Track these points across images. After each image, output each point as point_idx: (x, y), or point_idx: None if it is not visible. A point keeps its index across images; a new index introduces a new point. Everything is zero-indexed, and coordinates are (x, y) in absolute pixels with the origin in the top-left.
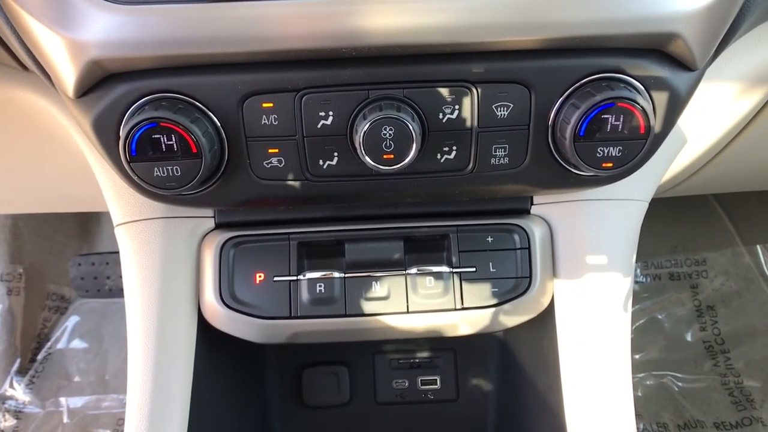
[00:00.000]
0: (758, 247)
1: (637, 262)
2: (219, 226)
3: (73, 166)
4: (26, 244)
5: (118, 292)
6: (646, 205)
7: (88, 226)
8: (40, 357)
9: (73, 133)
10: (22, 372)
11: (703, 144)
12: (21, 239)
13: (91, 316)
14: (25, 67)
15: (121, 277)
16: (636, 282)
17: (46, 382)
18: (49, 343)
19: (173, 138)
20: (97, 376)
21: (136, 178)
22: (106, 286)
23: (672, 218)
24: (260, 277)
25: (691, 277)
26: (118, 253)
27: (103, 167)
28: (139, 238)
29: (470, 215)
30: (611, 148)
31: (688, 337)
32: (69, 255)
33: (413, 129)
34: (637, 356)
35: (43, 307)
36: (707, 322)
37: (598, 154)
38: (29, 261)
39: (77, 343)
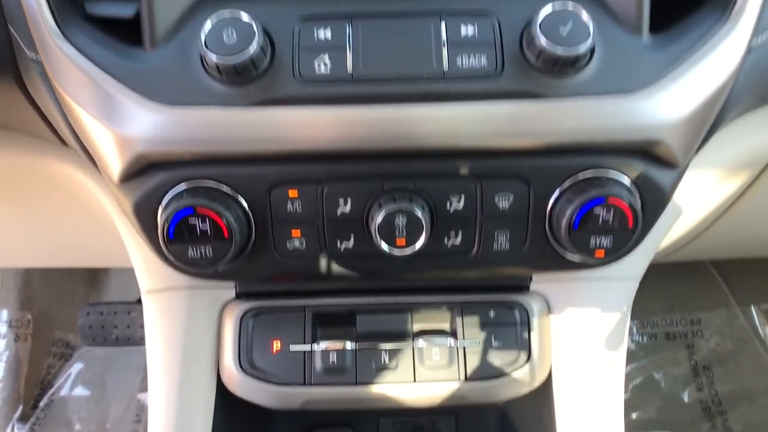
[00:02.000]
0: (752, 307)
1: (632, 320)
2: (239, 296)
3: (99, 227)
4: (36, 290)
5: (124, 341)
6: (638, 281)
7: (96, 275)
8: (42, 404)
9: (106, 205)
10: (24, 419)
11: (691, 221)
12: (31, 286)
13: (94, 363)
14: (64, 143)
15: (128, 326)
16: (632, 341)
17: (47, 429)
18: (51, 390)
19: (208, 223)
20: (98, 424)
21: (171, 258)
22: (113, 335)
23: (667, 277)
24: (277, 345)
25: (687, 336)
26: (126, 303)
27: (135, 240)
28: (165, 306)
29: (474, 290)
30: (603, 239)
31: (685, 398)
32: (77, 302)
33: (423, 219)
34: (634, 415)
35: (49, 354)
36: (704, 383)
37: (590, 244)
38: (38, 307)
39: (80, 391)
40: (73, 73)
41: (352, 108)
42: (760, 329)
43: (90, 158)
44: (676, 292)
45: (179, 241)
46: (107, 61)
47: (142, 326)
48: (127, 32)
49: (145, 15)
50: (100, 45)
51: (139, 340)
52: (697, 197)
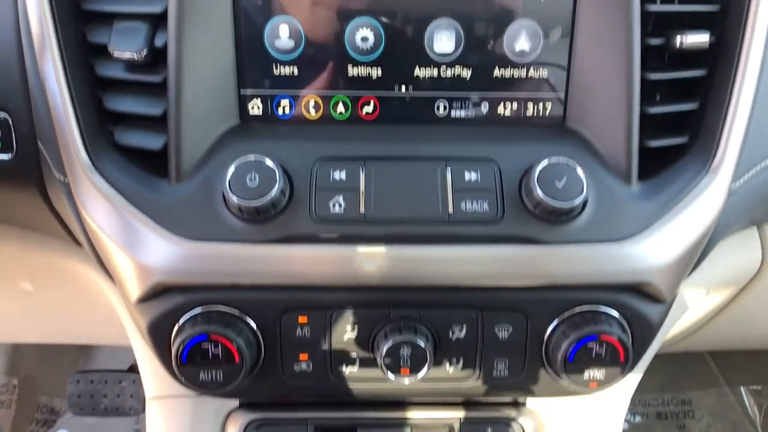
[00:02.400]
0: (742, 389)
1: None
2: (243, 406)
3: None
4: (24, 355)
5: (113, 411)
6: (632, 391)
7: None
8: None
9: (115, 305)
10: None
11: (681, 326)
12: (20, 351)
13: (79, 430)
14: (77, 242)
15: (117, 396)
16: (624, 420)
17: None
18: None
19: (220, 348)
20: None
21: (182, 379)
22: (102, 404)
23: (658, 358)
24: None
25: (678, 417)
26: (117, 371)
27: (143, 348)
28: (170, 413)
29: (472, 405)
30: (596, 371)
31: None
32: (64, 367)
33: (427, 350)
34: None
35: (32, 420)
36: None
37: (585, 376)
38: (24, 373)
39: None
40: (99, 202)
41: (363, 247)
42: (750, 410)
43: (104, 267)
44: (667, 372)
45: (191, 364)
46: (133, 193)
47: (132, 396)
48: (152, 160)
49: (173, 151)
50: (128, 175)
51: (128, 411)
52: (689, 307)
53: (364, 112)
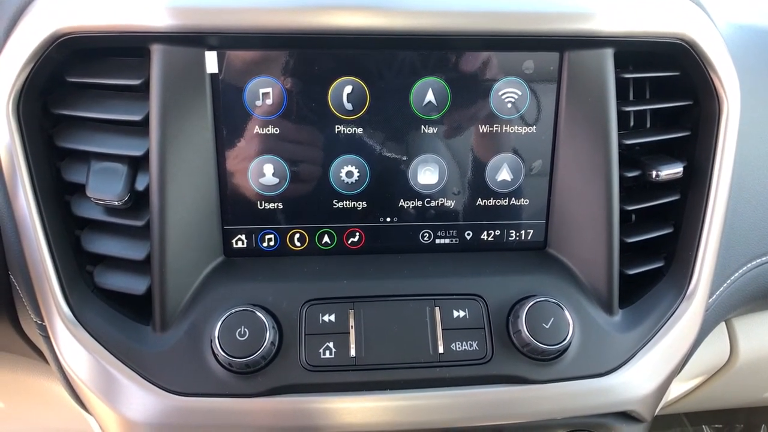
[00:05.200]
0: (705, 427)
1: None
2: None
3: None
4: None
5: None
6: None
7: None
8: None
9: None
10: None
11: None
12: None
13: None
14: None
15: None
16: None
17: None
18: None
19: None
20: None
21: None
22: None
23: None
24: None
25: None
26: None
27: None
28: None
29: None
30: None
31: None
32: None
33: None
34: None
35: None
36: None
37: None
38: None
39: None
40: (80, 354)
41: (353, 396)
42: None
43: (81, 403)
44: None
45: None
46: (116, 343)
47: None
48: (134, 302)
49: (157, 300)
50: (109, 324)
51: None
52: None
53: (349, 242)
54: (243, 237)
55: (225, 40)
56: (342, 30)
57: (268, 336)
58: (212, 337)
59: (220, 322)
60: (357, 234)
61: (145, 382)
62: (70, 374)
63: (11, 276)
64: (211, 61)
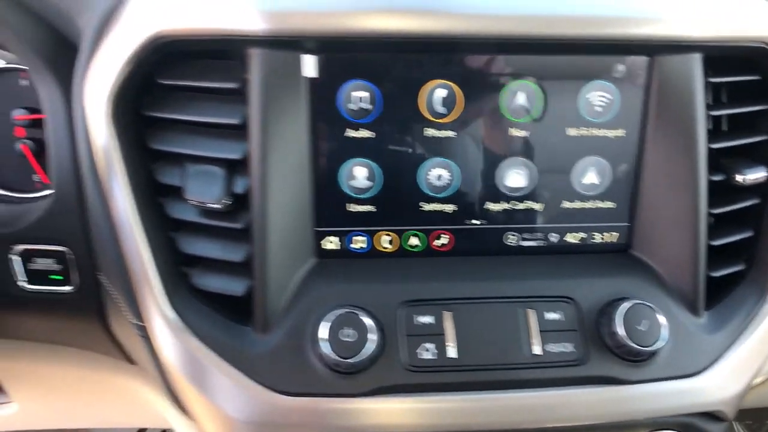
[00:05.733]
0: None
1: None
2: None
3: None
4: None
5: None
6: None
7: None
8: None
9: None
10: None
11: None
12: None
13: None
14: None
15: None
16: None
17: None
18: None
19: None
20: None
21: None
22: None
23: None
24: None
25: None
26: None
27: None
28: None
29: None
30: None
31: None
32: None
33: None
34: None
35: None
36: None
37: None
38: None
39: None
40: (184, 353)
41: (454, 395)
42: None
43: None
44: None
45: None
46: (219, 344)
47: None
48: (231, 303)
49: (259, 301)
50: (209, 323)
51: None
52: None
53: (436, 244)
54: (334, 239)
55: (323, 44)
56: (441, 34)
57: (373, 337)
58: (317, 339)
59: (325, 324)
60: (444, 236)
61: (250, 381)
62: (172, 374)
63: (102, 278)
64: (308, 65)
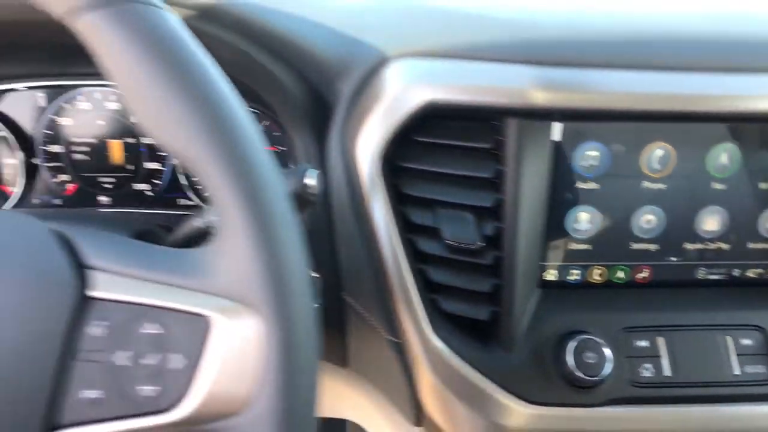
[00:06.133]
0: None
1: None
2: None
3: None
4: None
5: None
6: None
7: None
8: None
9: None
10: None
11: None
12: None
13: None
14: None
15: None
16: None
17: None
18: None
19: None
20: None
21: None
22: None
23: None
24: None
25: None
26: None
27: None
28: None
29: None
30: None
31: None
32: None
33: None
34: None
35: None
36: None
37: None
38: None
39: None
40: (442, 365)
41: (669, 407)
42: None
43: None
44: None
45: None
46: (472, 358)
47: None
48: (472, 325)
49: (505, 325)
50: (459, 341)
51: None
52: None
53: (638, 277)
54: (554, 271)
55: (577, 115)
56: (678, 113)
57: (610, 359)
58: (562, 359)
59: (570, 347)
60: (646, 270)
61: (504, 392)
62: (426, 384)
63: (348, 297)
64: (556, 131)
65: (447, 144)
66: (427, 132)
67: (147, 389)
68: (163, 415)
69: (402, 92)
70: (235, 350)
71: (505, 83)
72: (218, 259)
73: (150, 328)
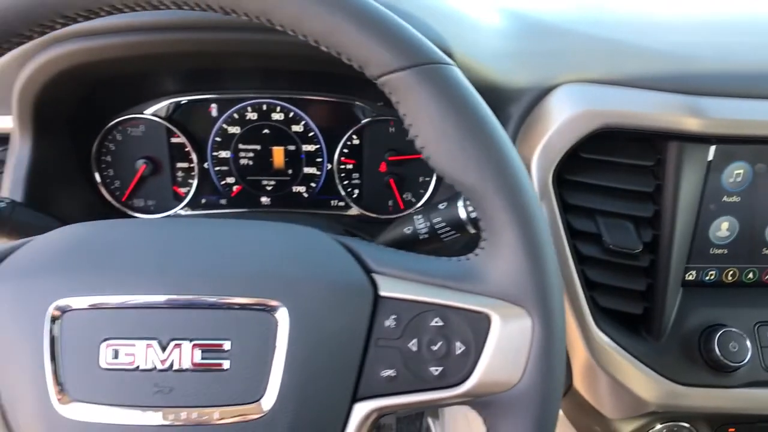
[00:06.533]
0: None
1: None
2: None
3: None
4: None
5: None
6: None
7: None
8: None
9: None
10: None
11: None
12: None
13: None
14: None
15: None
16: None
17: None
18: None
19: None
20: None
21: None
22: None
23: None
24: None
25: None
26: None
27: None
28: None
29: None
30: None
31: None
32: None
33: None
34: None
35: None
36: None
37: None
38: None
39: None
40: (600, 351)
41: None
42: None
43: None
44: None
45: None
46: (628, 346)
47: None
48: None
49: (657, 317)
50: (615, 331)
51: None
52: None
53: (765, 278)
54: (693, 272)
55: (728, 139)
56: None
57: (749, 348)
58: (709, 347)
59: (714, 338)
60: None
61: (655, 373)
62: (584, 366)
63: None
64: (711, 152)
65: (611, 161)
66: (594, 149)
67: (434, 369)
68: (449, 390)
69: (577, 115)
70: (508, 339)
71: (668, 111)
72: (490, 268)
73: (434, 321)
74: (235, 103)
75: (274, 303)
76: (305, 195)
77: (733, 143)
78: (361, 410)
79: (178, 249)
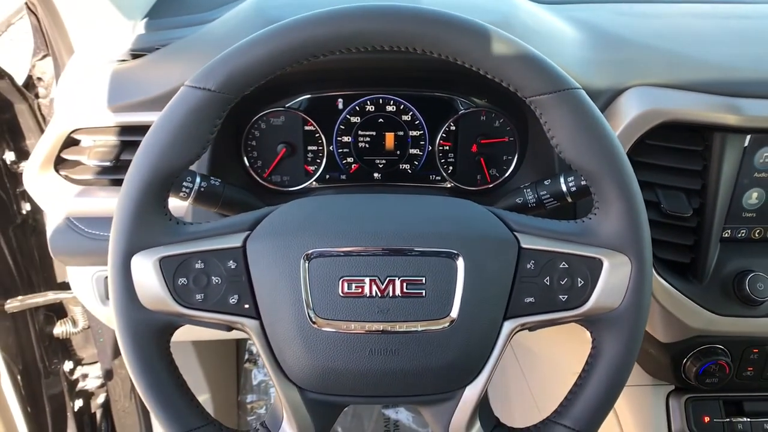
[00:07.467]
0: None
1: None
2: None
3: None
4: None
5: None
6: None
7: None
8: None
9: None
10: None
11: None
12: None
13: None
14: None
15: None
16: None
17: None
18: None
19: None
20: None
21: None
22: None
23: None
24: None
25: None
26: None
27: None
28: None
29: None
30: None
31: None
32: None
33: None
34: None
35: None
36: None
37: None
38: None
39: None
40: (666, 293)
41: None
42: None
43: None
44: None
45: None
46: (678, 286)
47: None
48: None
49: (701, 265)
50: (673, 277)
51: None
52: None
53: None
54: (729, 231)
55: (761, 131)
56: None
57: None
58: (743, 287)
59: (748, 279)
60: None
61: (699, 306)
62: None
63: None
64: (746, 141)
65: (670, 146)
66: (656, 138)
67: (562, 297)
68: (571, 311)
69: (645, 112)
70: (614, 276)
71: (714, 110)
72: (602, 227)
73: (562, 265)
74: (357, 98)
75: (454, 251)
76: (409, 171)
77: (764, 133)
78: (509, 326)
79: (384, 215)
